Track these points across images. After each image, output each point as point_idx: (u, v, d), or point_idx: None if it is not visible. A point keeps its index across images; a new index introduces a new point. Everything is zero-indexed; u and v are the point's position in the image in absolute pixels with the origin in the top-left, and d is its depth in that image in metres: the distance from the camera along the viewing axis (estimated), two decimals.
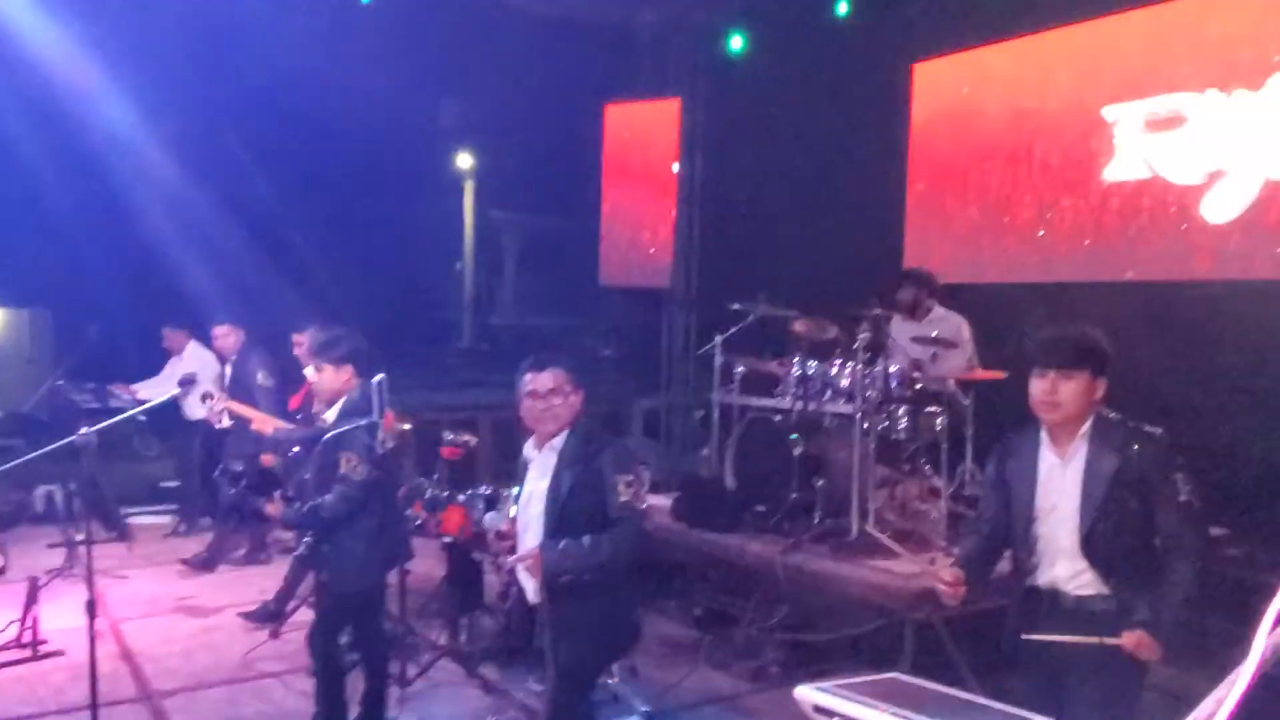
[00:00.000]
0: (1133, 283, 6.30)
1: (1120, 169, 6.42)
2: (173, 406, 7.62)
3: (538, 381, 3.33)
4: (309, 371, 4.22)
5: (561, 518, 3.25)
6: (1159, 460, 2.90)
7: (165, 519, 8.33)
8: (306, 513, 3.83)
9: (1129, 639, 2.80)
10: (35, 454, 4.28)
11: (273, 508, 4.08)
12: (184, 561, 7.08)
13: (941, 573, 3.12)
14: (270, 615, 5.79)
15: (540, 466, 3.38)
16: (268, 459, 6.29)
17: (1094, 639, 2.85)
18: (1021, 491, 3.05)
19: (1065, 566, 2.98)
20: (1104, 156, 6.49)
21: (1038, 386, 2.96)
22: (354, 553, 3.99)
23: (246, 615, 5.91)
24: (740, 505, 5.76)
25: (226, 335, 6.92)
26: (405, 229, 12.49)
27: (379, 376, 3.25)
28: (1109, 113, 6.45)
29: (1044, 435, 3.03)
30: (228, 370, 6.96)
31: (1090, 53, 6.61)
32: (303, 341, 5.90)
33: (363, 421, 3.27)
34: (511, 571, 3.45)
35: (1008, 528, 3.11)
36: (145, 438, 10.39)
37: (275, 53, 9.39)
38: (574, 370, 3.38)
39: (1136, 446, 2.90)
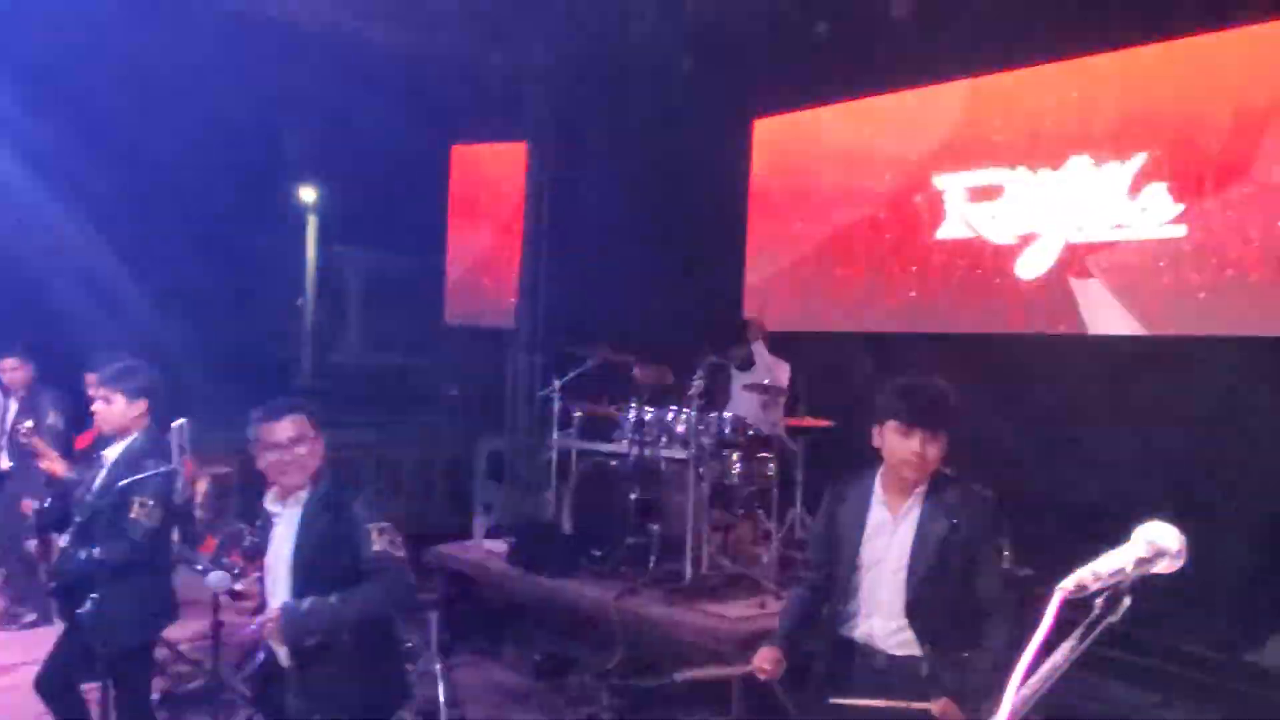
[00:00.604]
0: (954, 335, 6.64)
1: (945, 229, 6.81)
2: None
3: (277, 431, 3.06)
4: (97, 405, 3.86)
5: (310, 574, 2.98)
6: (987, 524, 2.90)
7: None
8: (86, 559, 3.49)
9: (937, 706, 2.76)
10: None
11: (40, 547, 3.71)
12: None
13: (759, 660, 3.03)
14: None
15: (287, 521, 3.10)
16: (28, 505, 5.83)
17: (902, 704, 2.80)
18: (847, 541, 3.01)
19: (882, 623, 2.94)
20: (930, 217, 6.86)
21: (904, 446, 2.87)
22: (128, 607, 3.64)
23: None
24: (577, 550, 5.72)
25: (15, 369, 6.40)
26: (244, 263, 12.01)
27: (179, 421, 3.02)
28: (938, 180, 6.84)
29: (877, 487, 2.98)
30: (13, 406, 6.43)
31: (919, 119, 7.00)
32: (14, 366, 5.60)
33: (161, 469, 3.02)
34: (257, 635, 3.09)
35: (830, 573, 3.08)
36: None
37: (106, 75, 8.94)
38: (314, 415, 3.14)
39: (967, 509, 2.88)
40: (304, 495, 3.07)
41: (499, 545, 6.16)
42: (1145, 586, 1.20)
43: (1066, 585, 1.12)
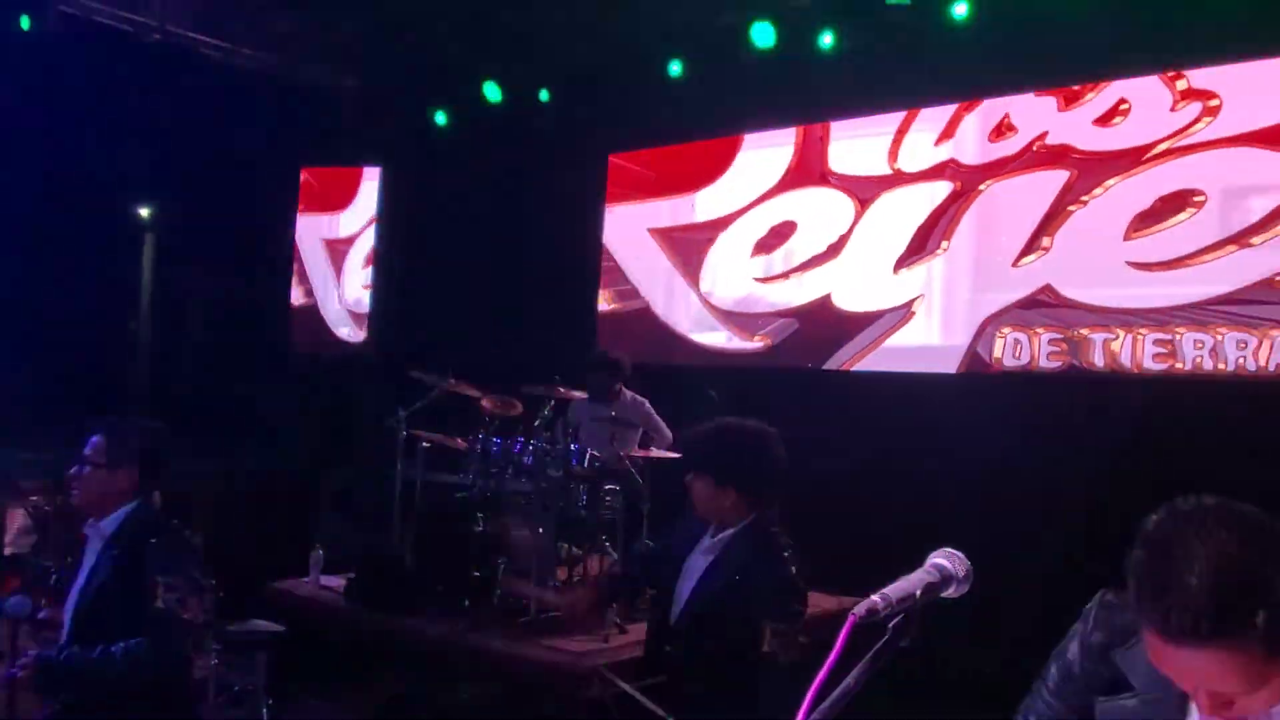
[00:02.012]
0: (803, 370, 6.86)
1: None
2: None
3: (86, 446, 2.92)
4: None
5: (89, 619, 2.77)
6: (769, 592, 2.83)
7: None
8: None
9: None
10: None
11: None
12: None
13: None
14: None
15: (90, 552, 2.91)
16: None
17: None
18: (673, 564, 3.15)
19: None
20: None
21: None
22: None
23: None
24: (420, 584, 5.58)
25: None
26: (73, 280, 11.32)
27: None
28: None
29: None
30: None
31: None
32: None
33: None
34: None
35: None
36: None
37: None
38: (119, 444, 2.90)
39: (755, 569, 2.87)
40: (104, 528, 2.85)
41: (336, 581, 5.95)
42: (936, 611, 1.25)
43: (858, 610, 1.16)
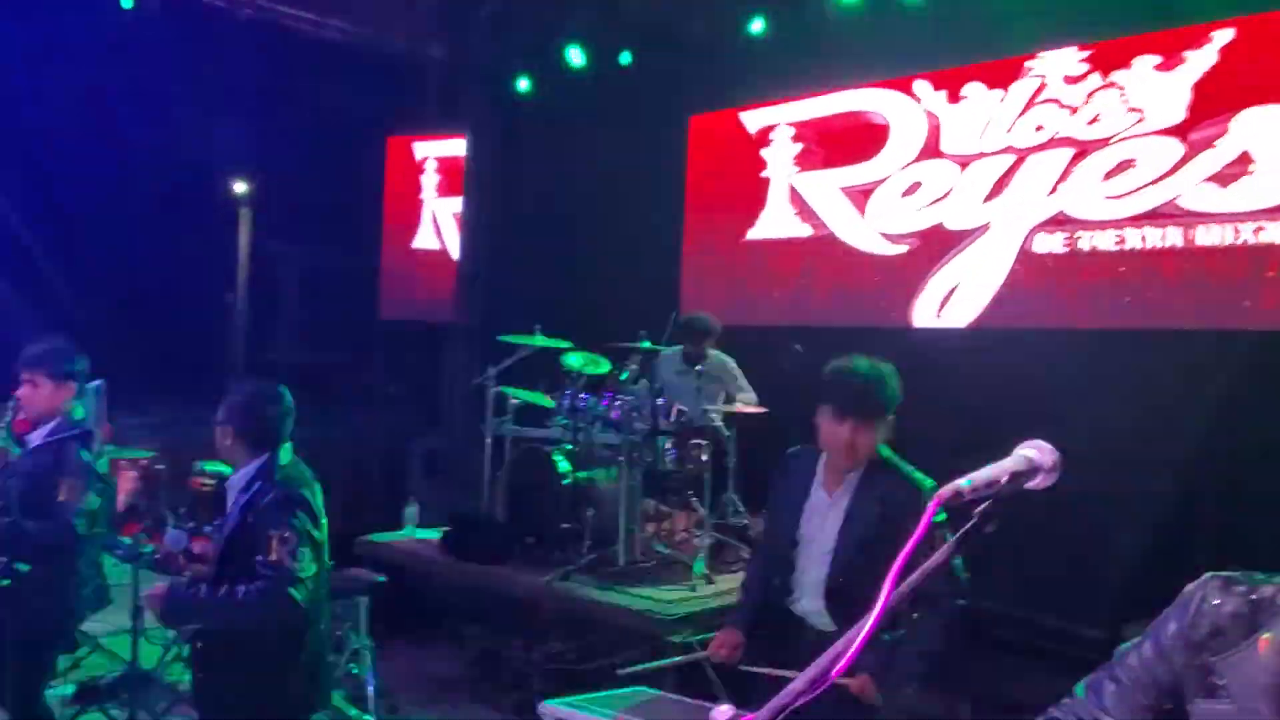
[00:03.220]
0: (877, 328, 6.76)
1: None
2: None
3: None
4: (22, 389, 3.74)
5: (225, 564, 2.96)
6: (919, 512, 2.92)
7: None
8: (11, 535, 3.41)
9: (855, 683, 2.79)
10: None
11: None
12: None
13: (716, 645, 3.11)
14: None
15: (231, 501, 3.12)
16: None
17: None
18: (786, 515, 3.07)
19: (809, 603, 3.00)
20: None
21: (833, 433, 2.89)
22: (54, 590, 3.60)
23: None
24: (510, 536, 5.72)
25: None
26: (175, 258, 11.77)
27: (96, 383, 2.99)
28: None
29: (820, 466, 3.03)
30: None
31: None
32: None
33: (74, 430, 2.97)
34: None
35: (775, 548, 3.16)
36: None
37: (40, 64, 8.75)
38: (225, 404, 3.12)
39: (900, 496, 2.89)
40: (237, 480, 3.06)
41: (431, 534, 6.14)
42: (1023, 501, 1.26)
43: (943, 492, 1.18)
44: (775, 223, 7.17)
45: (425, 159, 9.80)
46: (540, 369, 6.31)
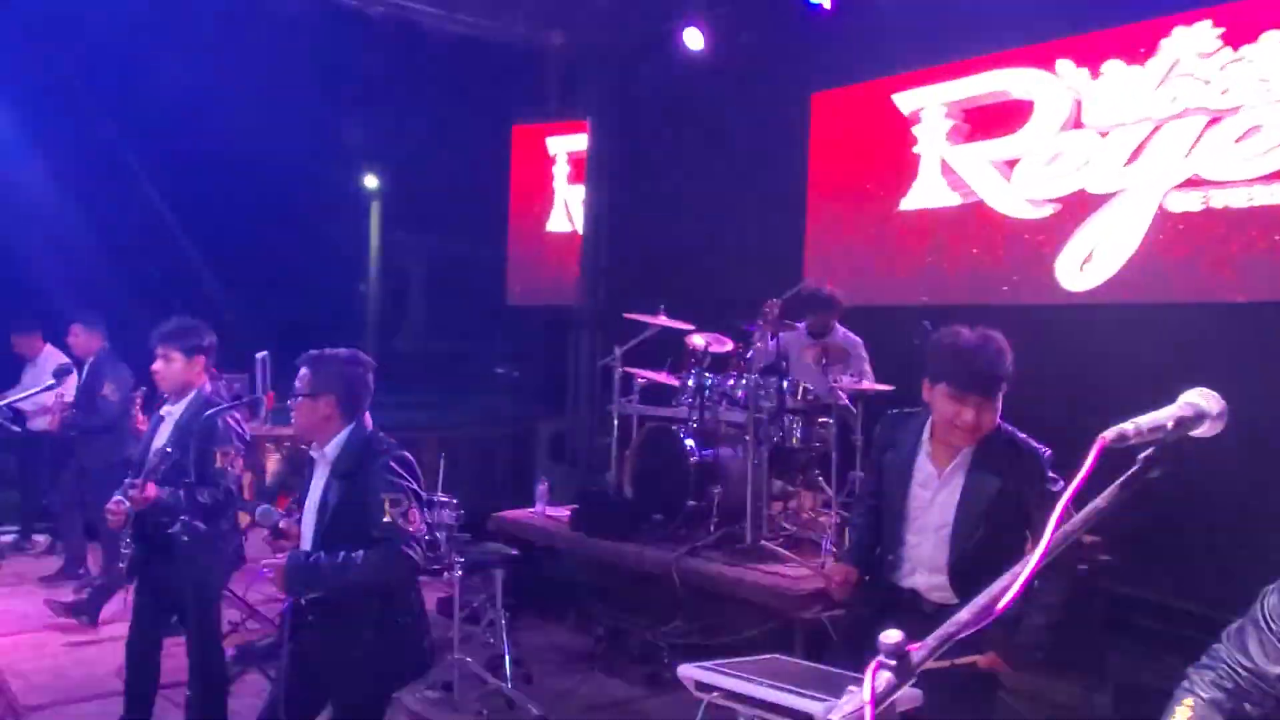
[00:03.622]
0: (1009, 305, 6.58)
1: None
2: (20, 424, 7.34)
3: (297, 379, 3.15)
4: (157, 364, 3.98)
5: (327, 531, 3.01)
6: (1037, 479, 2.80)
7: (41, 538, 7.99)
8: (188, 498, 3.61)
9: (984, 660, 2.74)
10: None
11: (150, 490, 3.85)
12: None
13: (830, 570, 3.11)
14: (104, 595, 5.79)
15: (318, 474, 3.14)
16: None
17: (945, 662, 2.82)
18: (895, 488, 2.96)
19: (926, 578, 2.90)
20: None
21: (955, 411, 2.77)
22: (205, 555, 3.80)
23: (75, 609, 5.81)
24: (638, 514, 5.81)
25: (79, 335, 6.64)
26: (308, 250, 12.29)
27: (262, 354, 3.15)
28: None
29: (925, 439, 2.91)
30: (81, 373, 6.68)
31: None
32: (78, 333, 5.82)
33: (245, 399, 3.14)
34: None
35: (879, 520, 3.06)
36: (24, 469, 9.97)
37: (176, 66, 9.24)
38: (317, 372, 3.10)
39: (1017, 464, 2.81)
40: (330, 452, 3.08)
41: (560, 511, 6.28)
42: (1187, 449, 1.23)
43: (1108, 435, 1.16)
44: (927, 193, 7.08)
45: (552, 145, 9.93)
46: (666, 349, 6.38)
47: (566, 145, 9.70)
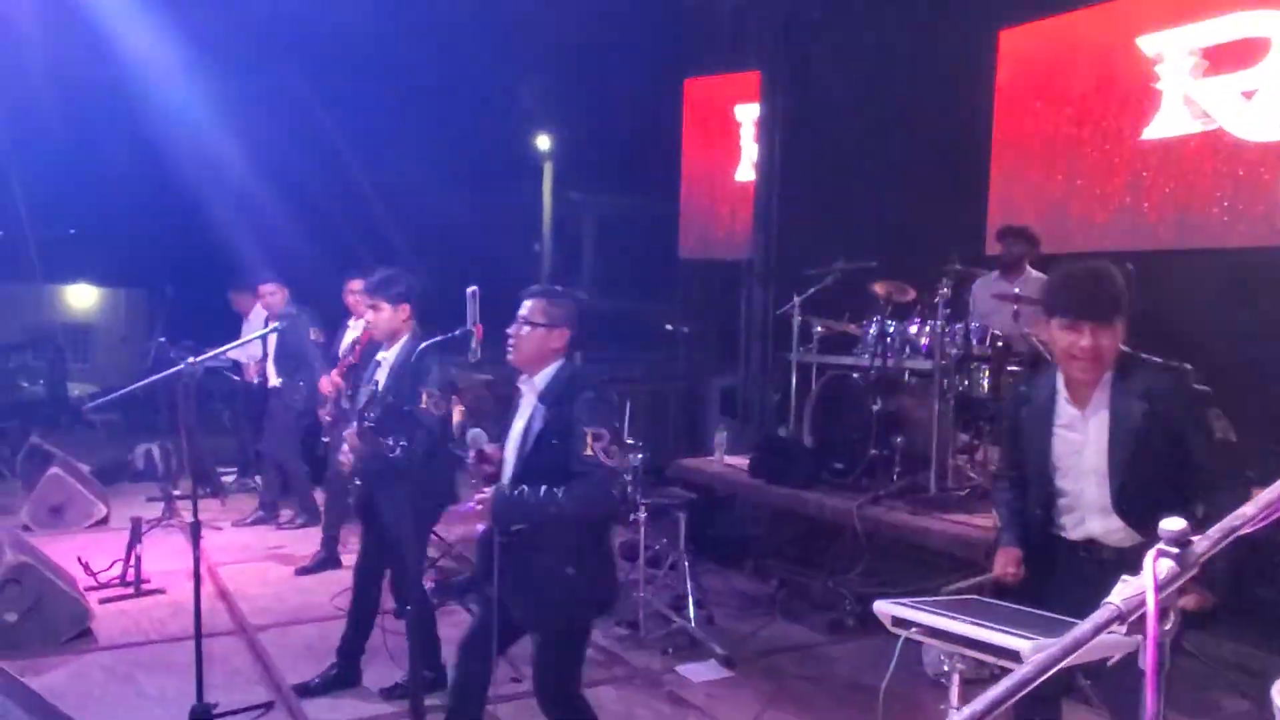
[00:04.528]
0: (1225, 249, 6.13)
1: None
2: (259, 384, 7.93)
3: (522, 307, 3.23)
4: (367, 314, 4.28)
5: (529, 462, 3.09)
6: (1186, 397, 2.72)
7: (256, 479, 8.65)
8: (396, 450, 3.78)
9: (1191, 600, 2.58)
10: (146, 381, 4.50)
11: (351, 435, 4.10)
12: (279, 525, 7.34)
13: (1001, 564, 2.97)
14: (326, 565, 6.11)
15: (525, 403, 3.22)
16: (326, 384, 6.49)
17: None
18: (1038, 442, 2.90)
19: (1098, 523, 2.82)
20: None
21: (1071, 340, 2.72)
22: (426, 485, 3.99)
23: (303, 570, 6.14)
24: (818, 462, 5.78)
25: (273, 293, 7.09)
26: (484, 211, 12.70)
27: (472, 289, 3.27)
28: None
29: (1059, 383, 2.86)
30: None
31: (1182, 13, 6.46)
32: (356, 288, 6.04)
33: (456, 331, 3.27)
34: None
35: (1026, 479, 3.00)
36: (236, 417, 10.83)
37: (358, 35, 9.69)
38: (555, 305, 3.19)
39: (1160, 386, 2.73)
40: (539, 383, 3.16)
41: (739, 460, 6.32)
42: None
43: None
44: (1168, 123, 6.56)
45: (726, 94, 9.84)
46: (844, 299, 6.28)
47: (739, 95, 9.60)
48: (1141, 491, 2.72)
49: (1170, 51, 6.58)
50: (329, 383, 5.84)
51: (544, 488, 2.99)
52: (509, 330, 3.20)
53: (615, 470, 3.07)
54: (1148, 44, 6.75)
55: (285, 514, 7.37)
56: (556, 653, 3.16)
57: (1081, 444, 2.82)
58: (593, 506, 3.03)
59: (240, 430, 8.55)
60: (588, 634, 3.32)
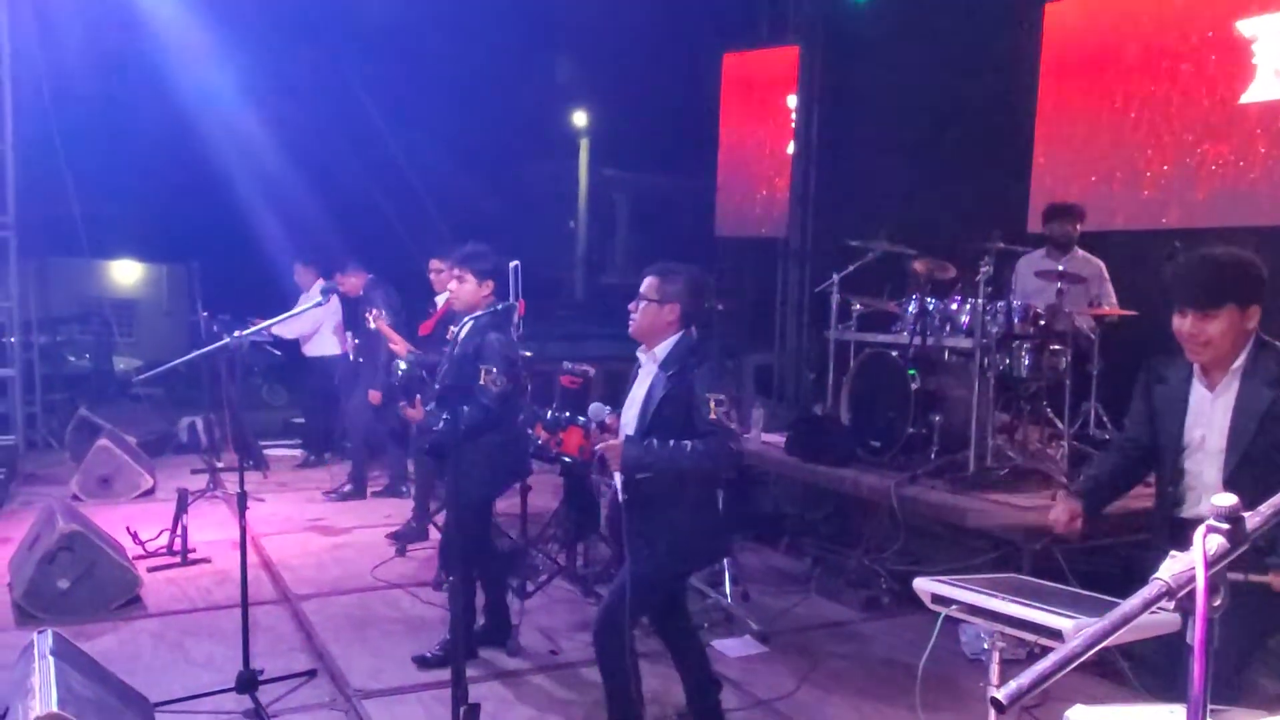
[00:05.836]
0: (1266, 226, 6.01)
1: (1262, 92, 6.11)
2: (295, 349, 8.05)
3: (642, 285, 3.43)
4: (451, 284, 4.36)
5: (651, 425, 3.29)
6: None
7: (296, 451, 8.78)
8: (446, 422, 3.85)
9: (1276, 579, 2.64)
10: (193, 354, 4.57)
11: (413, 412, 4.25)
12: (326, 493, 7.43)
13: (1058, 507, 3.08)
14: (414, 534, 6.17)
15: (645, 372, 3.44)
16: (375, 396, 6.67)
17: (1240, 575, 2.57)
18: (1169, 422, 2.97)
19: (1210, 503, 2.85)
20: (1244, 84, 6.18)
21: (1176, 325, 2.83)
22: (477, 465, 4.13)
23: (395, 535, 6.22)
24: (854, 440, 5.76)
25: (350, 278, 7.20)
26: (520, 187, 12.74)
27: (514, 263, 3.33)
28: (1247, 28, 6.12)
29: (1196, 369, 2.93)
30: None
31: None
32: (440, 268, 6.10)
33: (499, 305, 3.34)
34: (604, 467, 3.45)
35: (1153, 454, 3.06)
36: (274, 388, 10.99)
37: (393, 12, 9.73)
38: (667, 282, 3.36)
39: None
40: (660, 353, 3.36)
41: (775, 436, 6.31)
42: None
43: None
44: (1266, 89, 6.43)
45: (765, 69, 9.74)
46: (883, 277, 6.23)
47: (777, 70, 9.52)
48: (1255, 474, 2.76)
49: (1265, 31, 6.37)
50: (403, 346, 5.98)
51: (673, 441, 3.22)
52: (629, 305, 3.42)
53: (735, 431, 3.29)
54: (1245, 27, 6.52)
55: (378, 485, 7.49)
56: (638, 588, 3.29)
57: (1208, 424, 2.89)
58: (719, 460, 3.25)
59: (318, 407, 8.57)
60: (682, 580, 3.63)
